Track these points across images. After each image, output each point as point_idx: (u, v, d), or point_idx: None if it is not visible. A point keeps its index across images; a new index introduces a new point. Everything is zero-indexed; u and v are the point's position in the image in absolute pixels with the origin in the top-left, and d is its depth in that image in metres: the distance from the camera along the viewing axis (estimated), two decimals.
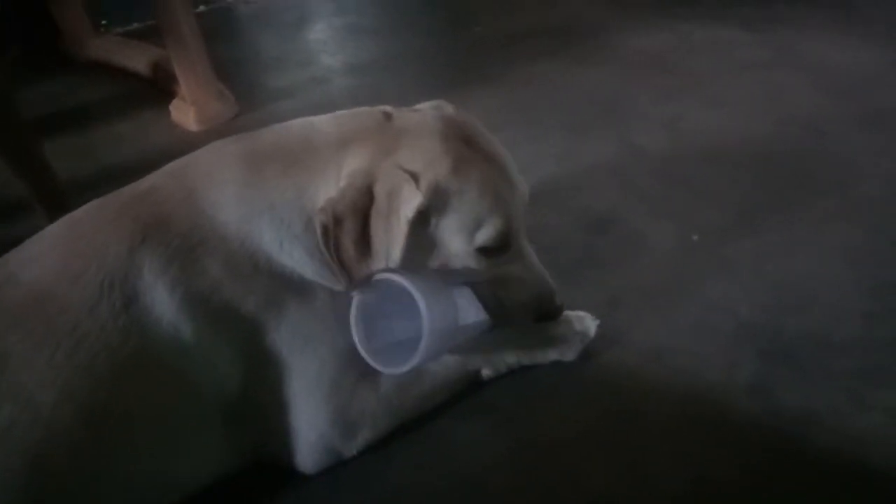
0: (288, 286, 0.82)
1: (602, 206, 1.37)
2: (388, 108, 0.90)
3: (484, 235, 0.83)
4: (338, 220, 0.78)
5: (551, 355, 0.99)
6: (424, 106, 0.94)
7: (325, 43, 2.39)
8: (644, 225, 1.30)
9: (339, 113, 0.91)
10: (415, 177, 0.79)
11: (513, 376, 0.99)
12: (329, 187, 0.82)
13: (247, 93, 1.94)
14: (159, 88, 1.97)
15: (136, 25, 2.55)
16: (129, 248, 0.77)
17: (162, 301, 0.76)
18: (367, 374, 0.86)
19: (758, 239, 1.24)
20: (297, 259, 0.83)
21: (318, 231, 0.79)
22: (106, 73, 2.18)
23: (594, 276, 1.18)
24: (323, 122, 0.89)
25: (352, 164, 0.82)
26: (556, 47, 2.17)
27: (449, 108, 0.93)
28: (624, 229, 1.30)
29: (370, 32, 2.44)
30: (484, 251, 0.85)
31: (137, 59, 2.07)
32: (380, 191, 0.79)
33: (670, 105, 1.74)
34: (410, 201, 0.78)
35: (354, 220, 0.79)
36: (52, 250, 0.80)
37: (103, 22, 2.48)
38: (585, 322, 1.01)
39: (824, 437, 0.87)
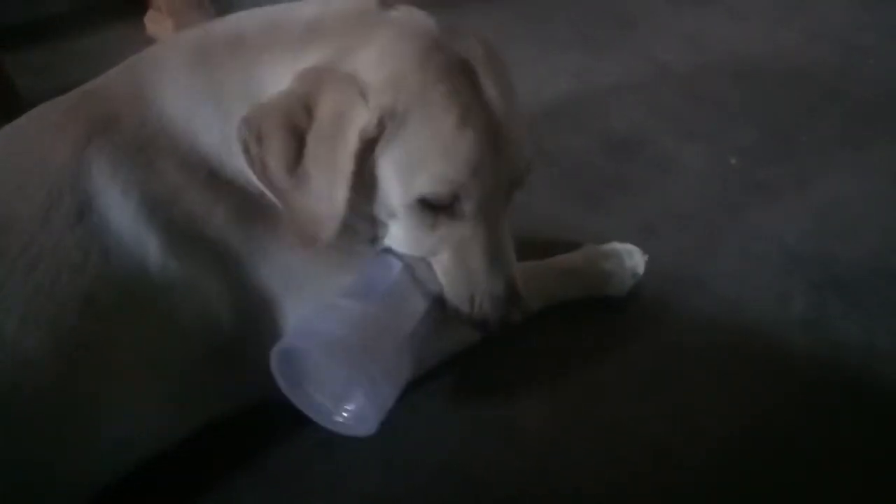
0: (253, 200, 0.68)
1: (627, 126, 1.26)
2: None
3: (423, 181, 0.63)
4: (260, 138, 0.63)
5: (601, 291, 0.91)
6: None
7: None
8: (674, 147, 1.20)
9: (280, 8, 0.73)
10: (366, 91, 0.62)
11: (547, 310, 0.90)
12: (279, 84, 0.66)
13: (225, 2, 1.77)
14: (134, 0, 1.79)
15: None
16: (74, 151, 0.66)
17: (118, 208, 0.65)
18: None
19: (797, 161, 1.15)
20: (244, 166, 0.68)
21: (241, 148, 0.63)
22: None
23: (623, 201, 1.09)
24: (305, 4, 0.72)
25: (306, 61, 0.66)
26: None
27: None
28: (652, 152, 1.20)
29: None
30: (425, 206, 0.65)
31: None
32: (324, 105, 0.63)
33: (692, 18, 1.62)
34: (356, 124, 0.61)
35: (284, 140, 0.63)
36: None
37: None
38: (635, 257, 0.91)
39: (888, 371, 0.81)
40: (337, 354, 0.67)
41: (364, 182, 0.65)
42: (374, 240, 0.73)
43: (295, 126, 0.63)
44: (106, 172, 0.65)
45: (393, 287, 0.70)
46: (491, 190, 0.66)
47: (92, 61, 1.72)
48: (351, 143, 0.61)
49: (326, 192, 0.63)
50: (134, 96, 0.69)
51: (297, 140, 0.63)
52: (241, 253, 0.69)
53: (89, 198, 0.64)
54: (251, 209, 0.69)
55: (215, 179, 0.68)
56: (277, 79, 0.66)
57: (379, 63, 0.63)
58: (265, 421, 0.77)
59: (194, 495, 0.74)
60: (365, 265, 0.73)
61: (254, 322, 0.72)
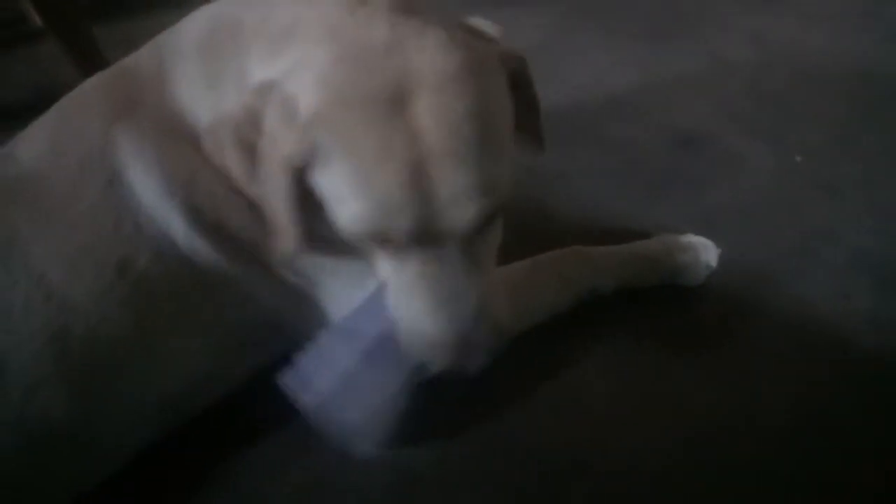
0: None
1: (690, 122, 1.27)
2: None
3: (344, 218, 0.60)
4: (219, 147, 0.65)
5: (674, 280, 0.93)
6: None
7: None
8: (737, 144, 1.21)
9: None
10: (299, 120, 0.58)
11: (619, 293, 0.93)
12: (270, 69, 0.64)
13: None
14: None
15: None
16: (105, 125, 0.70)
17: (142, 184, 0.69)
18: None
19: (862, 163, 1.15)
20: None
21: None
22: None
23: (685, 194, 1.11)
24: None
25: (272, 68, 0.63)
26: None
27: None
28: (715, 147, 1.21)
29: None
30: (362, 240, 0.62)
31: None
32: (266, 125, 0.61)
33: (758, 16, 1.61)
34: (284, 151, 0.59)
35: (239, 152, 0.63)
36: (42, 130, 0.75)
37: None
38: (710, 251, 0.93)
39: None
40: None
41: (312, 203, 0.61)
42: None
43: (246, 140, 0.62)
44: (130, 151, 0.69)
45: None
46: (420, 234, 0.58)
47: None
48: (281, 167, 0.59)
49: (277, 206, 0.62)
50: (156, 77, 0.72)
51: (250, 153, 0.62)
52: (262, 237, 0.69)
53: (117, 171, 0.69)
54: None
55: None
56: (258, 75, 0.64)
57: (315, 88, 0.58)
58: None
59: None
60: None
61: (286, 297, 0.75)
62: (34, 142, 0.74)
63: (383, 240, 0.60)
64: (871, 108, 1.29)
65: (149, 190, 0.69)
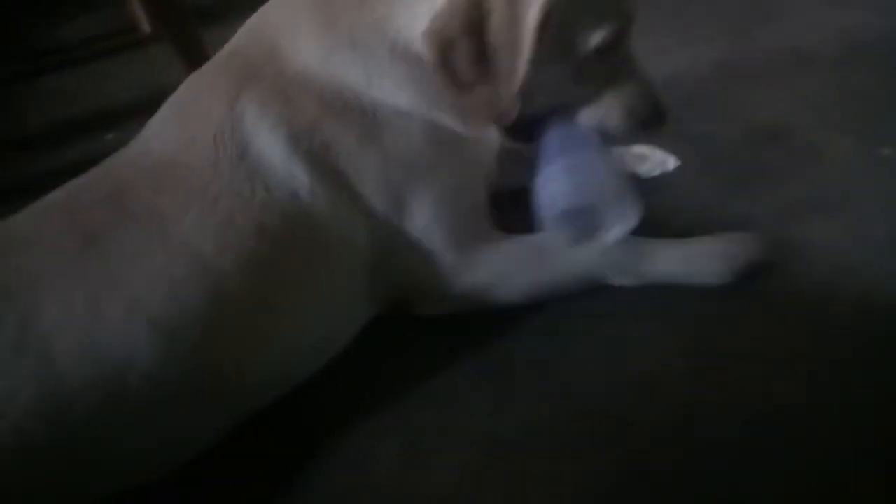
0: (383, 122, 0.82)
1: (771, 115, 1.27)
2: None
3: (604, 32, 0.79)
4: (450, 42, 0.74)
5: (706, 271, 0.92)
6: None
7: None
8: (820, 137, 1.20)
9: None
10: None
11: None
12: (417, 10, 0.79)
13: None
14: None
15: None
16: (228, 102, 0.80)
17: (269, 145, 0.78)
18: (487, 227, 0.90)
19: None
20: (388, 92, 0.82)
21: (429, 57, 0.76)
22: None
23: (766, 187, 1.11)
24: None
25: None
26: None
27: None
28: (797, 141, 1.20)
29: None
30: (600, 52, 0.81)
31: None
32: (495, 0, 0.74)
33: (844, 10, 1.58)
34: (534, 3, 0.73)
35: (470, 37, 0.74)
36: (166, 124, 0.85)
37: None
38: (749, 243, 0.93)
39: None
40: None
41: (542, 53, 0.76)
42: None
43: (475, 22, 0.74)
44: (256, 116, 0.79)
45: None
46: (632, 22, 0.83)
47: None
48: (532, 19, 0.73)
49: (509, 72, 0.75)
50: (269, 52, 0.83)
51: (478, 34, 0.74)
52: (367, 170, 0.81)
53: (246, 141, 0.78)
54: (380, 127, 0.82)
55: (348, 111, 0.81)
56: (412, 13, 0.79)
57: None
58: None
59: None
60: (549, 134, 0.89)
61: (391, 233, 0.84)
62: (165, 134, 0.83)
63: (620, 43, 0.83)
64: None
65: (275, 148, 0.78)
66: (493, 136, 0.93)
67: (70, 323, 0.69)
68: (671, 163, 1.12)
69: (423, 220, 0.85)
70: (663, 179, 1.14)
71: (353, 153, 0.81)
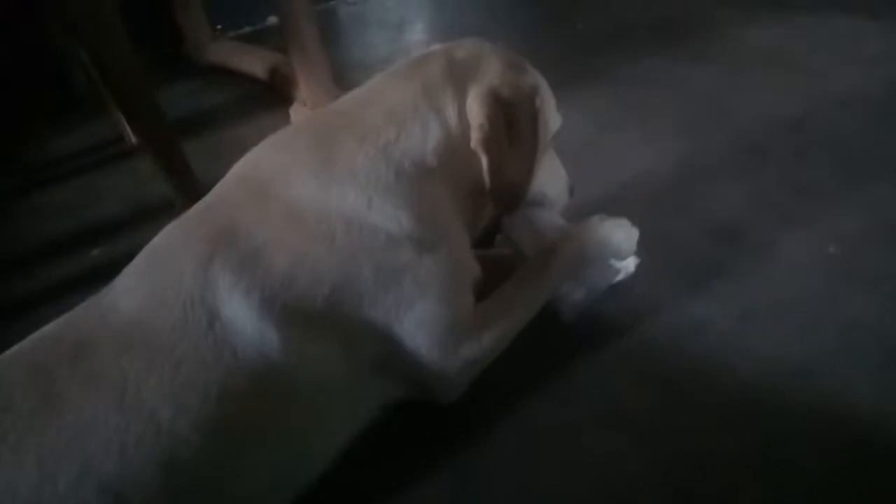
0: (372, 249, 0.85)
1: (727, 212, 1.34)
2: (431, 48, 1.02)
3: (558, 119, 1.06)
4: (497, 142, 0.91)
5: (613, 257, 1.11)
6: (442, 47, 1.03)
7: (429, 44, 2.41)
8: (773, 234, 1.26)
9: (397, 70, 0.98)
10: (520, 82, 0.94)
11: (650, 387, 0.99)
12: (430, 132, 0.90)
13: None
14: (276, 92, 2.06)
15: (247, 29, 2.67)
16: (201, 266, 0.80)
17: (241, 313, 0.78)
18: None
19: None
20: (389, 214, 0.85)
21: (484, 160, 0.91)
22: (224, 76, 2.30)
23: (724, 288, 1.16)
24: (390, 84, 0.96)
25: (455, 98, 0.92)
26: (662, 43, 2.13)
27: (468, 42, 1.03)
28: (752, 239, 1.26)
29: (472, 32, 2.44)
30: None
31: (255, 63, 2.17)
32: (508, 101, 0.91)
33: (794, 105, 1.68)
34: (533, 100, 0.94)
35: (505, 134, 0.91)
36: (140, 279, 0.84)
37: (218, 26, 2.61)
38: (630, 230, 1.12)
39: None
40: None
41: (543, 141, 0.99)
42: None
43: (500, 117, 0.91)
44: (229, 284, 0.79)
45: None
46: None
47: (249, 147, 1.99)
48: (533, 111, 0.95)
49: (534, 147, 0.96)
50: (252, 200, 0.86)
51: (504, 126, 0.91)
52: (361, 303, 0.84)
53: (216, 308, 0.78)
54: (368, 253, 0.84)
55: (333, 242, 0.83)
56: (426, 132, 0.90)
57: (505, 68, 0.96)
58: None
59: None
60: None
61: (383, 357, 0.86)
62: (135, 292, 0.83)
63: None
64: None
65: (246, 317, 0.78)
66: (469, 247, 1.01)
67: (19, 482, 0.68)
68: (632, 265, 1.17)
69: (412, 330, 0.87)
70: (625, 282, 1.19)
71: (334, 292, 0.82)
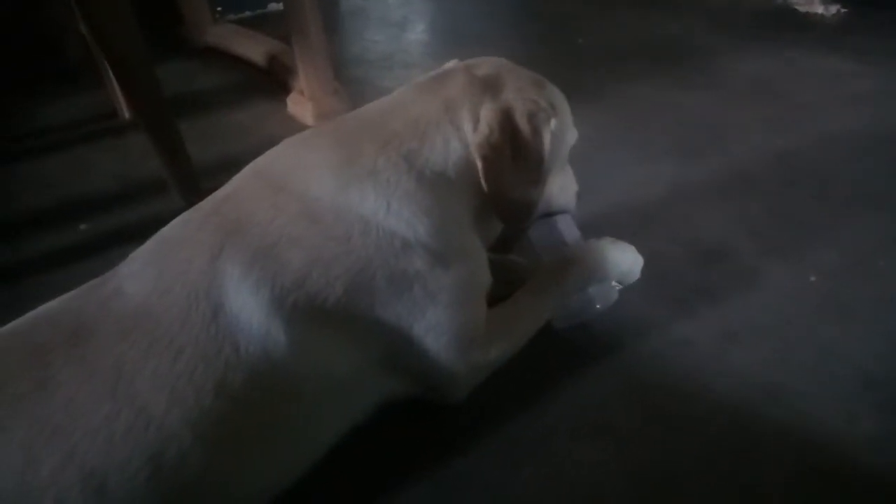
0: (387, 254, 0.83)
1: (714, 237, 1.37)
2: (452, 63, 1.04)
3: (574, 134, 1.08)
4: (497, 150, 0.90)
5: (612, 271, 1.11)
6: (453, 63, 1.05)
7: (429, 45, 2.44)
8: (757, 260, 1.30)
9: (419, 84, 0.99)
10: (535, 99, 0.95)
11: (631, 402, 1.02)
12: (451, 144, 0.91)
13: (354, 91, 1.99)
14: (274, 80, 2.05)
15: (248, 13, 2.65)
16: (210, 259, 0.78)
17: (248, 307, 0.76)
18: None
19: (877, 285, 1.23)
20: (406, 219, 0.84)
21: (480, 165, 0.90)
22: (221, 60, 2.27)
23: (708, 309, 1.19)
24: (412, 97, 0.96)
25: (472, 113, 0.92)
26: (658, 67, 2.17)
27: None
28: (736, 263, 1.30)
29: (473, 38, 2.47)
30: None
31: (254, 49, 2.15)
32: (519, 118, 0.92)
33: (781, 136, 1.73)
34: (548, 119, 0.94)
35: (509, 146, 0.91)
36: (146, 266, 0.82)
37: (218, 8, 2.59)
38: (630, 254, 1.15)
39: None
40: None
41: (551, 154, 0.96)
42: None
43: (510, 136, 0.92)
44: (238, 278, 0.77)
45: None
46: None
47: (246, 134, 1.99)
48: (547, 129, 0.94)
49: (541, 163, 0.95)
50: (269, 196, 0.83)
51: (513, 144, 0.92)
52: (372, 307, 0.83)
53: (221, 301, 0.76)
54: (384, 259, 0.83)
55: (349, 243, 0.82)
56: (445, 145, 0.90)
57: (520, 86, 0.97)
58: None
59: None
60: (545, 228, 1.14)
61: (384, 357, 0.87)
62: (140, 279, 0.80)
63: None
64: (887, 233, 1.37)
65: (253, 313, 0.76)
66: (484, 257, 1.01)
67: (3, 464, 0.67)
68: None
69: (423, 335, 0.87)
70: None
71: (347, 294, 0.81)
